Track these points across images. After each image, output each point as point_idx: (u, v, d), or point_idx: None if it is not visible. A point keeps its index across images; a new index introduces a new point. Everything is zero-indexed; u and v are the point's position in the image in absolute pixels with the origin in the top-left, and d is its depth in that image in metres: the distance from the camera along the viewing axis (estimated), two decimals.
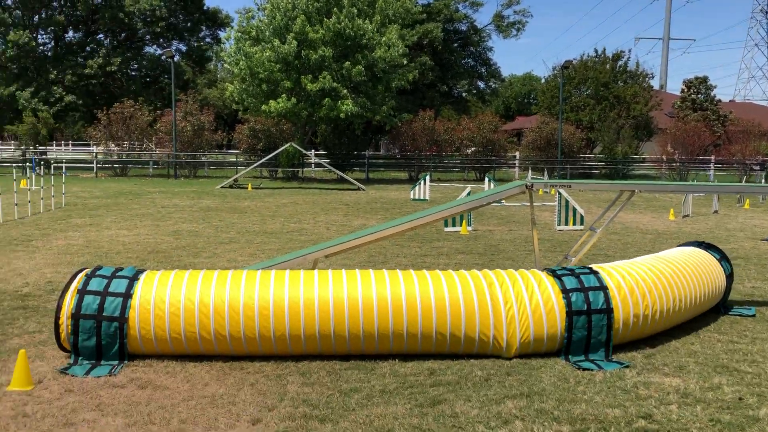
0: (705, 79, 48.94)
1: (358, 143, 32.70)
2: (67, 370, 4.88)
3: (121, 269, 5.41)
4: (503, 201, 16.23)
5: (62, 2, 40.92)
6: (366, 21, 28.33)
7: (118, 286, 5.14)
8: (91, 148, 34.82)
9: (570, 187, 11.98)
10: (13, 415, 4.11)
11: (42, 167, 25.05)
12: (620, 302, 5.35)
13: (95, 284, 5.14)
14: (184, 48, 45.86)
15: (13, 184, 15.21)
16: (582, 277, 5.44)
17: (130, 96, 36.94)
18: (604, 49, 40.31)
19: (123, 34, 43.91)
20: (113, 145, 32.79)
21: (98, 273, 5.28)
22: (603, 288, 5.36)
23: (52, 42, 42.84)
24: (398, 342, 5.15)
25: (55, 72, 38.99)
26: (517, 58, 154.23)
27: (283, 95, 28.01)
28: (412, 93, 46.59)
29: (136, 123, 32.29)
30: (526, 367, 5.05)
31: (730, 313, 6.77)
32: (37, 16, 40.68)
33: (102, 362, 5.04)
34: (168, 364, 5.06)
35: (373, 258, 9.68)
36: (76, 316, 4.99)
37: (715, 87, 44.44)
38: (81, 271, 5.37)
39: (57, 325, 5.04)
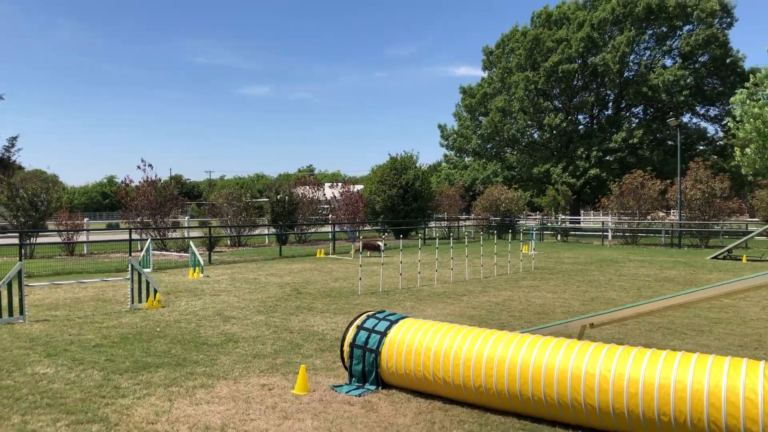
0: None
1: None
2: (336, 387, 6.43)
3: (393, 314, 6.72)
4: None
5: (593, 84, 44.77)
6: None
7: (381, 326, 6.48)
8: (606, 218, 36.70)
9: None
10: (272, 404, 5.86)
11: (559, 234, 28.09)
12: None
13: (369, 323, 6.59)
14: (714, 113, 44.18)
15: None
16: None
17: (647, 166, 37.72)
18: None
19: (650, 109, 45.13)
20: (623, 215, 33.93)
21: (374, 315, 6.72)
22: None
23: (588, 120, 47.10)
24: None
25: (582, 148, 42.69)
26: None
27: None
28: None
29: (647, 192, 32.80)
30: None
31: None
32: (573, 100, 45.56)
33: (366, 385, 6.42)
34: (404, 397, 6.10)
35: (745, 340, 8.43)
36: (352, 344, 6.52)
37: None
38: (365, 313, 6.90)
39: (342, 350, 6.66)
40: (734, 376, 4.53)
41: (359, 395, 6.14)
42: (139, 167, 27.00)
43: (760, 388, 4.40)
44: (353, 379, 6.53)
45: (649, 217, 33.67)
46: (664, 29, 43.28)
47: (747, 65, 42.46)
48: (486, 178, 46.22)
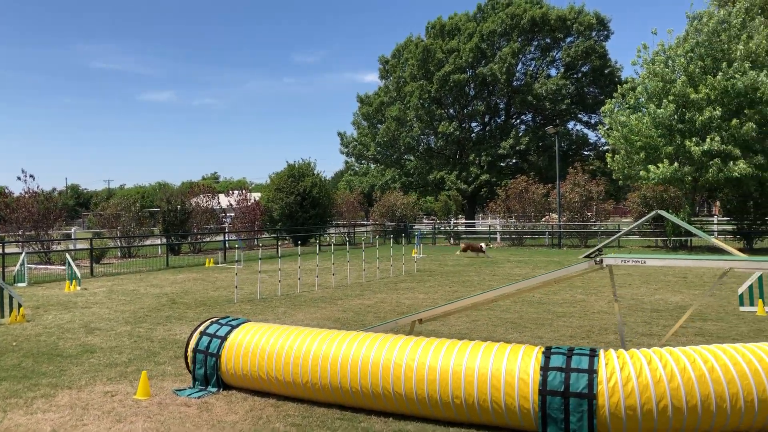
0: None
1: (761, 207, 28.54)
2: (178, 390, 6.70)
3: (235, 319, 7.07)
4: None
5: (484, 93, 46.66)
6: (762, 73, 25.19)
7: (222, 331, 6.81)
8: (494, 221, 38.33)
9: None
10: (109, 408, 6.08)
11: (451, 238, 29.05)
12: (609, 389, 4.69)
13: (212, 329, 6.90)
14: (595, 120, 47.00)
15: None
16: (573, 357, 4.95)
17: (535, 171, 39.72)
18: None
19: (538, 116, 47.51)
20: (509, 218, 35.58)
21: (217, 320, 7.04)
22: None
23: (480, 128, 48.99)
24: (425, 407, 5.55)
25: (473, 154, 44.40)
26: None
27: (665, 160, 26.67)
28: None
29: (531, 196, 34.56)
30: None
31: None
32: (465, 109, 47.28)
33: (208, 388, 6.72)
34: (241, 396, 6.46)
35: (577, 331, 9.31)
36: (195, 350, 6.81)
37: None
38: (210, 319, 7.21)
39: (186, 355, 6.94)
40: (512, 360, 5.18)
41: (199, 397, 6.45)
42: (19, 178, 26.01)
43: (531, 369, 5.06)
44: (196, 382, 6.82)
45: (543, 220, 35.47)
46: (548, 41, 45.74)
47: (624, 75, 45.60)
48: (384, 184, 47.15)
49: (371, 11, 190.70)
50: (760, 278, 11.31)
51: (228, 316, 7.24)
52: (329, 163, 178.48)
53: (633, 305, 12.23)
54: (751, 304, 11.30)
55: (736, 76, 25.26)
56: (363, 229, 41.85)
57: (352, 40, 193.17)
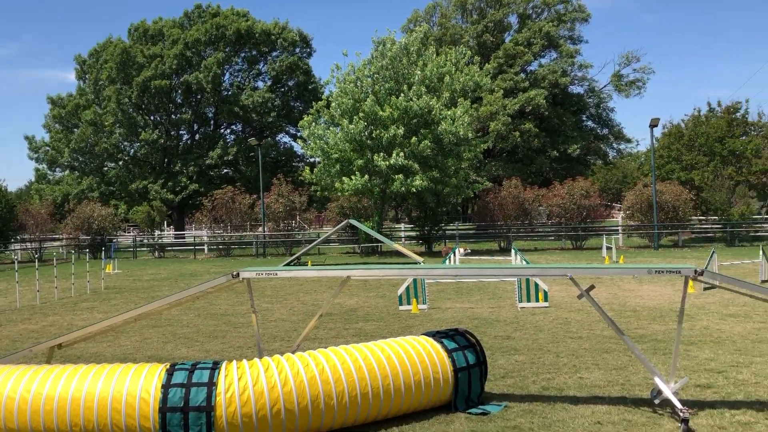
0: None
1: (437, 215, 32.39)
2: None
3: None
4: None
5: (192, 102, 45.73)
6: (434, 98, 28.58)
7: None
8: (201, 232, 37.73)
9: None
10: None
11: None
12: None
13: None
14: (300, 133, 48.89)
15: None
16: (195, 372, 5.10)
17: (245, 181, 40.00)
18: (719, 102, 36.97)
19: (248, 127, 47.92)
20: (217, 229, 35.35)
21: None
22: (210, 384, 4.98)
23: (187, 137, 47.80)
24: None
25: (181, 163, 43.23)
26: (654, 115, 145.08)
27: (357, 173, 28.74)
28: (521, 160, 45.72)
29: (238, 206, 34.73)
30: None
31: (470, 411, 5.88)
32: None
33: None
34: None
35: (247, 341, 9.58)
36: None
37: None
38: None
39: None
40: (135, 381, 5.13)
41: None
42: None
43: (152, 388, 5.07)
44: None
45: (242, 230, 35.70)
46: (254, 53, 46.46)
47: (327, 91, 48.13)
48: (80, 193, 43.41)
49: (72, 3, 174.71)
50: (414, 280, 12.78)
51: None
52: (15, 170, 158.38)
53: (312, 311, 12.92)
54: (408, 303, 12.72)
55: (414, 98, 28.32)
56: (57, 243, 38.13)
57: (47, 33, 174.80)
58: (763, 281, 15.19)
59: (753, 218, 31.95)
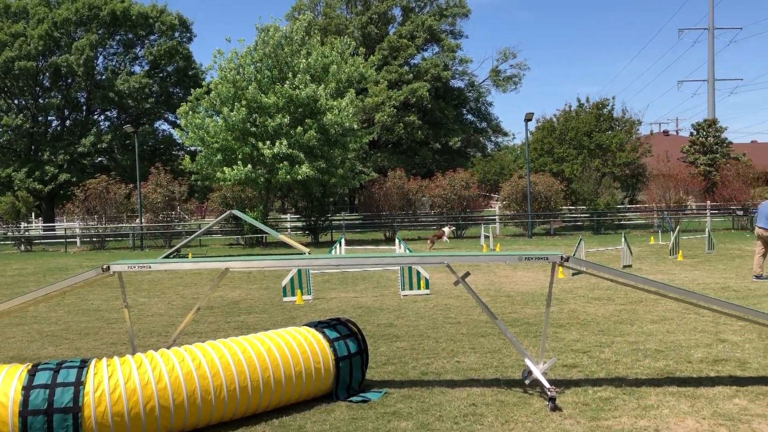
0: (714, 122, 47.20)
1: (324, 205, 32.39)
2: None
3: None
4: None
5: (62, 85, 42.93)
6: (320, 87, 28.45)
7: None
8: (73, 224, 35.58)
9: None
10: None
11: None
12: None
13: None
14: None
15: None
16: (61, 371, 4.83)
17: (121, 170, 38.07)
18: (587, 98, 39.41)
19: (123, 114, 45.62)
20: (90, 221, 33.47)
21: None
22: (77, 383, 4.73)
23: (56, 123, 44.86)
24: None
25: (49, 151, 40.54)
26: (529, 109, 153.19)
27: (240, 162, 28.10)
28: (405, 152, 46.54)
29: (113, 197, 33.03)
30: None
31: (351, 399, 5.96)
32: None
33: None
34: None
35: (116, 338, 9.17)
36: None
37: (725, 129, 42.77)
38: None
39: None
40: None
41: None
42: None
43: (12, 391, 4.74)
44: None
45: (118, 222, 34.01)
46: (131, 36, 44.28)
47: (209, 78, 46.66)
48: None
49: None
50: (299, 271, 12.71)
51: None
52: None
53: (192, 305, 12.55)
54: (292, 294, 12.64)
55: (300, 87, 28.06)
56: None
57: None
58: (625, 266, 16.37)
59: (617, 208, 34.30)
